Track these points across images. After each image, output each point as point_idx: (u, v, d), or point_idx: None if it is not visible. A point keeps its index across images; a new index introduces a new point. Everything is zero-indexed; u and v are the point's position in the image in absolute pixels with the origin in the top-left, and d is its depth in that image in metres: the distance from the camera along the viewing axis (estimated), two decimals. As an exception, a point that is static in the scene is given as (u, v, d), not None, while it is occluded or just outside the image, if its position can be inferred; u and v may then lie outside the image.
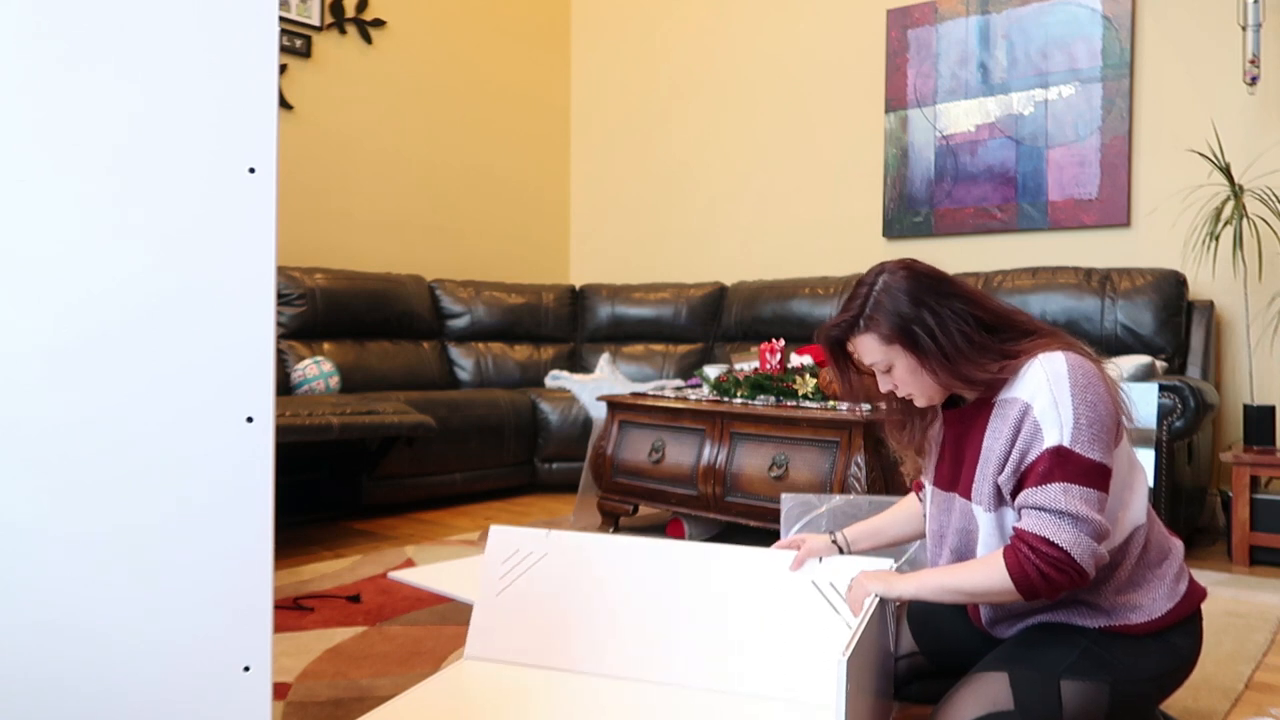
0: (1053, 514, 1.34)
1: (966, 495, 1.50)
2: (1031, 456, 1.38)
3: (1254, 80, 3.46)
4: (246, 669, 1.22)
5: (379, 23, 4.71)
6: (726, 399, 3.22)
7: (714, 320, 4.85)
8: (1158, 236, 3.81)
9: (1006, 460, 1.41)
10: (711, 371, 3.82)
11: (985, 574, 1.39)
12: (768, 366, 3.32)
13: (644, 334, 4.97)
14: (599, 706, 1.73)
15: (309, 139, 4.45)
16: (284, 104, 4.35)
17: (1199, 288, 3.72)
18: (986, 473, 1.45)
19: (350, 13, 4.60)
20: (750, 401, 3.15)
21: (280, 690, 1.86)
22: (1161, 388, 2.99)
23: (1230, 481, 3.28)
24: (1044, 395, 1.37)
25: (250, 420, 1.21)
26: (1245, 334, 3.61)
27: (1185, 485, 3.13)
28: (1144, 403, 2.99)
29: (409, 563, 2.90)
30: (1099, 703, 1.40)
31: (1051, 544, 1.33)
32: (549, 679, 1.86)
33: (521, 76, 5.44)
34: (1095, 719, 1.41)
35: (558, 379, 4.56)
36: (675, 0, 5.26)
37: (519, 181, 5.45)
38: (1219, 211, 3.41)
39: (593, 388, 4.35)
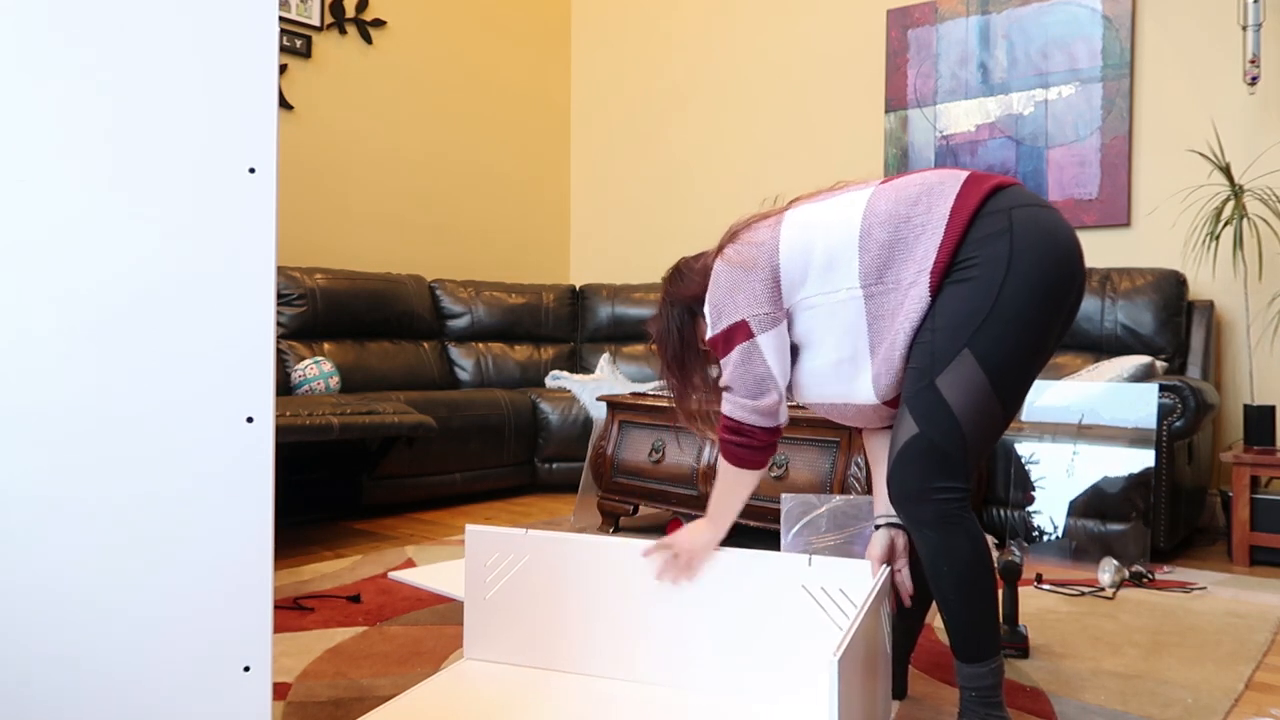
0: (726, 395, 1.72)
1: None
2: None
3: (1254, 80, 3.46)
4: (246, 669, 1.22)
5: (379, 23, 4.71)
6: (726, 399, 3.22)
7: (714, 320, 4.84)
8: (1158, 236, 3.81)
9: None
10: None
11: (721, 471, 1.76)
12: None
13: (644, 334, 4.97)
14: (598, 707, 1.73)
15: (309, 139, 4.46)
16: (284, 104, 4.36)
17: (1199, 288, 3.72)
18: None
19: (350, 13, 4.60)
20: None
21: (280, 690, 1.86)
22: (1161, 388, 2.99)
23: (1230, 481, 3.28)
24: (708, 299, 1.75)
25: (250, 420, 1.21)
26: (1245, 334, 3.61)
27: (1185, 485, 3.13)
28: (1144, 403, 2.99)
29: (409, 563, 2.90)
30: (971, 370, 1.50)
31: (724, 419, 1.72)
32: (548, 680, 1.87)
33: (521, 76, 5.44)
34: (981, 388, 1.50)
35: (558, 379, 4.56)
36: (675, 0, 5.26)
37: (519, 181, 5.45)
38: (1219, 211, 3.41)
39: (593, 388, 4.35)
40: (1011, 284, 1.49)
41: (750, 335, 1.65)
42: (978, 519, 1.59)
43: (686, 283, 1.83)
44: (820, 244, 1.62)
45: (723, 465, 1.76)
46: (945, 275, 1.53)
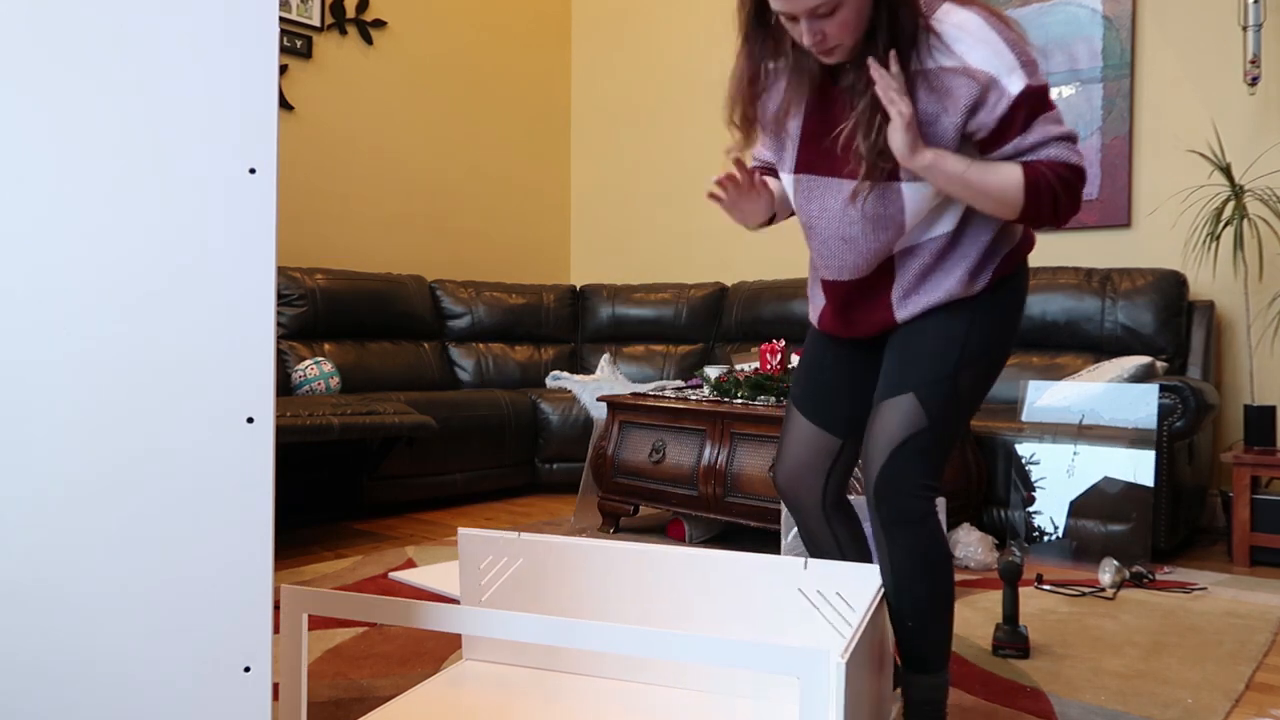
0: (1057, 142, 1.42)
1: (854, 176, 1.52)
2: (1001, 109, 1.40)
3: (1254, 80, 3.46)
4: (246, 669, 1.22)
5: (379, 23, 4.71)
6: (727, 399, 3.22)
7: (714, 321, 4.85)
8: (1158, 237, 3.81)
9: (964, 127, 1.43)
10: (712, 372, 3.82)
11: (1005, 182, 1.42)
12: (768, 367, 3.32)
13: (644, 334, 4.97)
14: (597, 708, 1.74)
15: (309, 139, 4.46)
16: (284, 104, 4.36)
17: (1199, 288, 3.72)
18: (934, 144, 1.45)
19: (350, 13, 4.60)
20: (751, 402, 3.15)
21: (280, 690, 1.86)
22: (1162, 388, 2.99)
23: (1231, 482, 3.28)
24: (981, 51, 1.40)
25: (250, 420, 1.21)
26: (1245, 334, 3.61)
27: (1185, 485, 3.13)
28: (1144, 403, 2.99)
29: (409, 563, 2.91)
30: (984, 383, 1.54)
31: (1069, 165, 1.42)
32: (548, 680, 1.87)
33: (521, 76, 5.44)
34: (975, 405, 1.55)
35: (558, 379, 4.56)
36: (675, 0, 5.26)
37: (519, 181, 5.45)
38: (1219, 212, 3.41)
39: (593, 388, 4.35)
40: (1013, 333, 1.58)
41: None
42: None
43: None
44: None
45: (1025, 187, 1.43)
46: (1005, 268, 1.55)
